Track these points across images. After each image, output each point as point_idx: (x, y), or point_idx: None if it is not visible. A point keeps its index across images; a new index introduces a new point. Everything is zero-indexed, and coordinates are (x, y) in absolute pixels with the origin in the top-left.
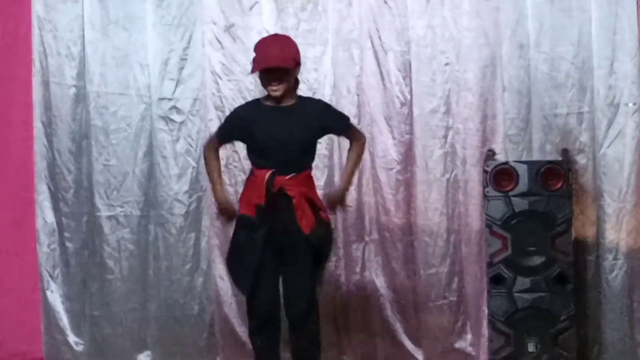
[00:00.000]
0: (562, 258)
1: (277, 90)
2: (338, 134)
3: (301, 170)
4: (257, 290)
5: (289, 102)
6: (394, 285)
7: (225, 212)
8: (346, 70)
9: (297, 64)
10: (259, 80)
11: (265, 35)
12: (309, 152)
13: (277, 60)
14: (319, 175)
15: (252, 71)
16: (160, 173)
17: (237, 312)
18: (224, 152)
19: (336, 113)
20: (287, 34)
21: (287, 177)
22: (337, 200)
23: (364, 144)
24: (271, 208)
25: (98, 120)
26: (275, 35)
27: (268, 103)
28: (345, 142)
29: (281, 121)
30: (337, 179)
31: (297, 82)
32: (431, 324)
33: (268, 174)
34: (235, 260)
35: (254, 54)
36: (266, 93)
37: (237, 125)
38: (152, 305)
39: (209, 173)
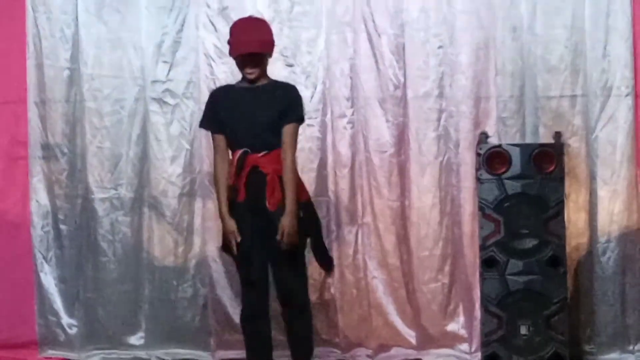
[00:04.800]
0: (554, 241)
1: (253, 73)
2: (282, 123)
3: (274, 149)
4: (248, 273)
5: (261, 83)
6: (386, 268)
7: (228, 239)
8: (339, 53)
9: (273, 47)
10: None
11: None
12: (279, 133)
13: (256, 46)
14: (312, 158)
15: (231, 55)
16: (154, 155)
17: (231, 294)
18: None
19: (295, 104)
20: (280, 16)
21: (260, 154)
22: (284, 227)
23: (289, 163)
24: (250, 187)
25: (92, 103)
26: (251, 19)
27: (240, 85)
28: (337, 124)
29: (249, 102)
30: (330, 160)
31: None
32: (424, 306)
33: (239, 152)
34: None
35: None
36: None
37: (214, 109)
38: (145, 288)
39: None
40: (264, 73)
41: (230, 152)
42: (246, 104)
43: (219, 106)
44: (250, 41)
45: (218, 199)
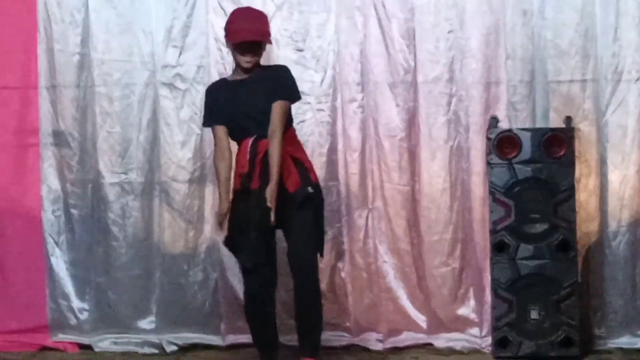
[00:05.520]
0: (565, 225)
1: (251, 62)
2: (273, 99)
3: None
4: (250, 259)
5: (255, 72)
6: (397, 252)
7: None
8: (350, 37)
9: (270, 38)
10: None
11: (269, 4)
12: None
13: (257, 34)
14: (322, 142)
15: (232, 41)
16: (164, 140)
17: (241, 279)
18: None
19: (283, 82)
20: (290, 1)
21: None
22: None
23: (276, 140)
24: (264, 173)
25: (102, 88)
26: (251, 9)
27: (235, 78)
28: (347, 109)
29: (246, 92)
30: (340, 144)
31: None
32: (434, 290)
33: (251, 140)
34: (235, 236)
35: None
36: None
37: (212, 104)
38: (156, 272)
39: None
40: (258, 62)
41: (236, 142)
42: (243, 94)
43: (217, 100)
44: (253, 29)
45: (218, 185)
